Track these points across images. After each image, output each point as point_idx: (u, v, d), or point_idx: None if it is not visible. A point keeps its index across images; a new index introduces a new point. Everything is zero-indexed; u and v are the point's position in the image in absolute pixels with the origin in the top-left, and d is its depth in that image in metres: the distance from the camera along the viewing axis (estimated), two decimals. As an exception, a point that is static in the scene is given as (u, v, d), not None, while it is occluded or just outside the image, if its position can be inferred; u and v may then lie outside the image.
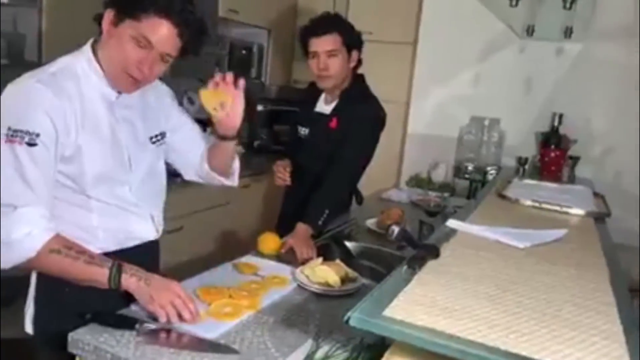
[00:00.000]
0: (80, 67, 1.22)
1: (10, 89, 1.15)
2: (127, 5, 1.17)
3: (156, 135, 1.41)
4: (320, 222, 1.84)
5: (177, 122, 1.50)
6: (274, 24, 3.65)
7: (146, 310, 1.18)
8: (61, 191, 1.21)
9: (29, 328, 1.29)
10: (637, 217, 2.57)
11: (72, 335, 1.11)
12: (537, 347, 0.69)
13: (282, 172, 2.07)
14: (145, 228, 1.39)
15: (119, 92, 1.27)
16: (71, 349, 1.11)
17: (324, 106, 2.09)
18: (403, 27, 3.30)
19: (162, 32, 1.18)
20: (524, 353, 0.68)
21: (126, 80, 1.23)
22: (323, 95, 2.10)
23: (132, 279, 1.17)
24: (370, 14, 3.33)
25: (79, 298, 1.19)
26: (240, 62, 3.46)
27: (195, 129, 1.56)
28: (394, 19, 3.34)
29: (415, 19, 3.21)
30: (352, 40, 1.98)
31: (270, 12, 3.59)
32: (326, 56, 1.92)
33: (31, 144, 1.11)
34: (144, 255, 1.36)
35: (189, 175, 1.58)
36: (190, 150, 1.53)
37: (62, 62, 1.23)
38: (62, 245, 1.14)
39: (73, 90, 1.18)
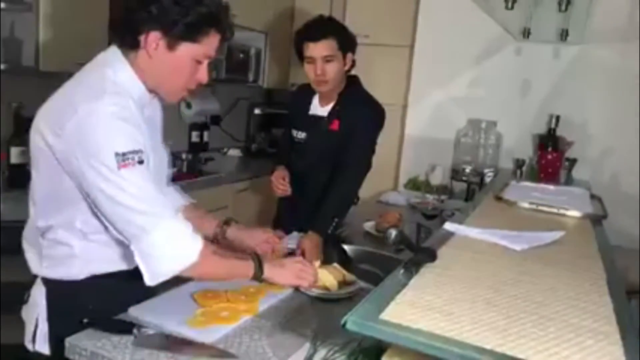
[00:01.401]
0: (126, 82, 1.18)
1: (87, 115, 1.07)
2: (185, 31, 1.14)
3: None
4: (329, 231, 1.84)
5: None
6: (271, 27, 3.65)
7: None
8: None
9: (42, 348, 1.24)
10: (633, 219, 2.57)
11: (69, 341, 1.11)
12: (534, 349, 0.70)
13: (282, 183, 2.06)
14: None
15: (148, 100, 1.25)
16: (68, 354, 1.11)
17: (319, 108, 2.08)
18: (400, 30, 3.31)
19: (218, 43, 1.21)
20: (521, 355, 0.68)
21: (183, 94, 1.26)
22: (316, 98, 2.10)
23: (272, 268, 1.33)
24: (367, 17, 3.33)
25: (96, 306, 1.18)
26: (238, 65, 3.46)
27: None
28: (391, 22, 3.34)
29: (412, 22, 3.22)
30: (347, 43, 1.98)
31: (267, 16, 3.59)
32: (323, 62, 1.92)
33: (141, 162, 1.10)
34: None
35: None
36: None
37: (109, 76, 1.15)
38: (213, 247, 1.23)
39: (134, 107, 1.15)
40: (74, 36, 2.28)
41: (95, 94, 1.11)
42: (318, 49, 1.92)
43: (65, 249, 1.20)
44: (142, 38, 1.14)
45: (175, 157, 3.12)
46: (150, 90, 1.23)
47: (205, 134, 3.63)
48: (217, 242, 1.54)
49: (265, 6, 3.56)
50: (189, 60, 1.18)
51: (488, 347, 0.69)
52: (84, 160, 1.07)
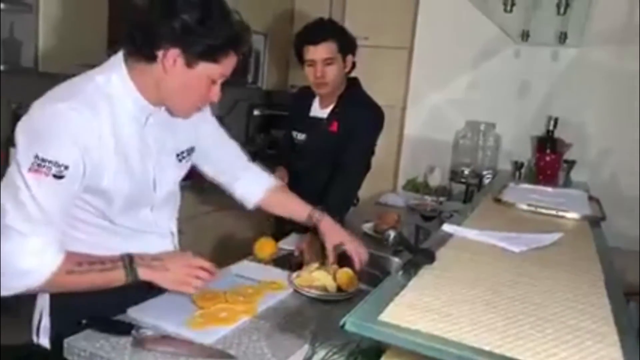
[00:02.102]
0: (113, 87, 1.15)
1: (40, 111, 1.08)
2: (205, 51, 1.12)
3: (184, 152, 1.36)
4: None
5: (205, 130, 1.46)
6: (270, 29, 3.66)
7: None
8: (86, 215, 1.19)
9: (44, 341, 1.25)
10: (632, 221, 2.58)
11: (68, 342, 1.11)
12: (532, 350, 0.70)
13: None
14: (164, 245, 1.36)
15: (149, 114, 1.21)
16: (67, 355, 1.11)
17: (319, 110, 2.09)
18: (399, 32, 3.32)
19: (234, 63, 1.20)
20: (519, 357, 0.68)
21: (194, 110, 1.25)
22: (316, 100, 2.10)
23: (148, 270, 1.18)
24: (367, 19, 3.34)
25: (95, 305, 1.16)
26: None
27: (232, 144, 1.58)
28: (390, 24, 3.35)
29: (411, 24, 3.23)
30: (347, 46, 1.99)
31: (266, 17, 3.60)
32: (323, 64, 1.93)
33: (58, 177, 1.05)
34: None
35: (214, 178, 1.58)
36: (227, 160, 1.55)
37: (94, 81, 1.14)
38: (75, 263, 1.12)
39: (106, 113, 1.12)
40: (73, 37, 2.29)
41: (62, 95, 1.10)
42: (318, 52, 1.92)
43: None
44: (160, 53, 1.11)
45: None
46: (155, 104, 1.21)
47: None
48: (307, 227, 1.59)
49: (265, 8, 3.56)
50: (205, 79, 1.17)
51: (487, 348, 0.69)
52: (18, 146, 1.06)
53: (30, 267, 1.07)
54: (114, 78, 1.15)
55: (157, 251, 1.29)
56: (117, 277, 1.16)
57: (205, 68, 1.15)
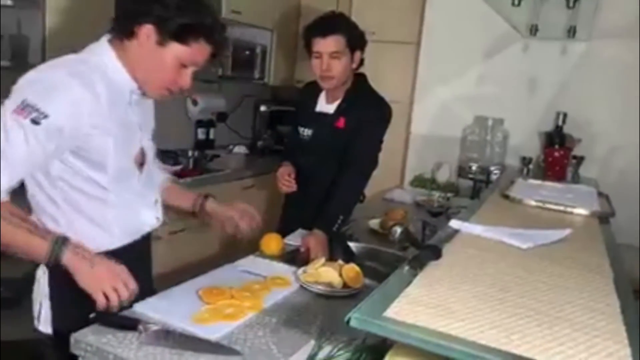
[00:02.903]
0: (105, 66, 1.23)
1: (40, 71, 1.16)
2: (177, 31, 1.19)
3: (152, 130, 1.46)
4: (334, 229, 1.84)
5: None
6: (277, 25, 3.65)
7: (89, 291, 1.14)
8: (82, 184, 1.23)
9: (45, 328, 1.28)
10: (642, 217, 2.55)
11: (74, 337, 1.11)
12: (539, 348, 0.69)
13: (287, 179, 2.06)
14: (150, 216, 1.41)
15: (132, 91, 1.28)
16: (74, 350, 1.11)
17: (326, 106, 2.08)
18: (406, 27, 3.29)
19: (206, 55, 1.26)
20: (526, 354, 0.67)
21: (164, 93, 1.30)
22: (323, 95, 2.09)
23: (75, 257, 1.13)
24: (374, 14, 3.32)
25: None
26: (244, 62, 3.46)
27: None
28: (397, 19, 3.33)
29: (418, 19, 3.21)
30: (356, 41, 1.97)
31: (273, 13, 3.59)
32: (330, 57, 1.92)
33: (35, 122, 1.09)
34: (142, 247, 1.40)
35: None
36: None
37: (91, 60, 1.23)
38: (7, 211, 1.11)
39: (101, 88, 1.19)
40: (80, 33, 2.28)
41: (61, 64, 1.18)
42: (325, 44, 1.91)
43: (53, 226, 1.23)
44: (137, 29, 1.19)
45: (181, 154, 3.13)
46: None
47: (211, 131, 3.64)
48: (195, 215, 1.59)
49: (272, 3, 3.55)
50: (174, 60, 1.22)
51: (492, 345, 0.69)
52: (15, 88, 1.13)
53: None
54: (105, 59, 1.24)
55: (144, 221, 1.39)
56: (40, 247, 1.11)
57: (174, 49, 1.21)
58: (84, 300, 1.14)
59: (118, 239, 1.30)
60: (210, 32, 1.23)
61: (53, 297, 1.27)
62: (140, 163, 1.34)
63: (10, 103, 1.11)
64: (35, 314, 1.29)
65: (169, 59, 1.22)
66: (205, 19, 1.22)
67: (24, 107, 1.10)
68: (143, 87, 1.28)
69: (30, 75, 1.15)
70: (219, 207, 1.60)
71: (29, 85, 1.13)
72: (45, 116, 1.10)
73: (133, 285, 1.18)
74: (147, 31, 1.19)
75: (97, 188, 1.25)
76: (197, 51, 1.23)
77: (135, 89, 1.28)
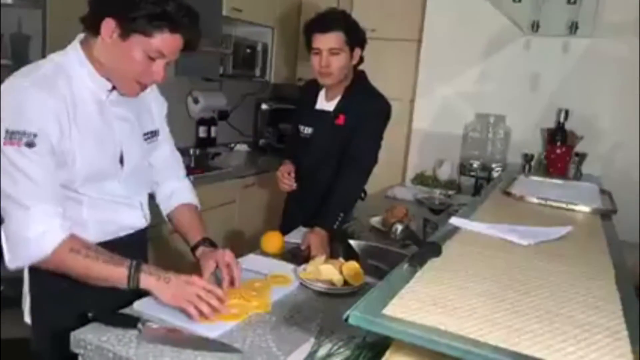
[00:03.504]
0: (71, 67, 1.22)
1: (4, 92, 1.14)
2: (136, 22, 1.15)
3: (148, 133, 1.42)
4: (335, 226, 1.83)
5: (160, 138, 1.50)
6: (278, 22, 3.65)
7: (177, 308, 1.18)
8: None
9: (27, 318, 1.32)
10: (644, 214, 2.54)
11: (74, 335, 1.11)
12: (540, 345, 0.68)
13: (287, 178, 2.05)
14: (134, 217, 1.41)
15: (109, 91, 1.26)
16: (73, 348, 1.11)
17: (325, 103, 2.07)
18: (407, 24, 3.29)
19: (175, 46, 1.21)
20: (526, 352, 0.67)
21: (135, 87, 1.26)
22: (323, 93, 2.09)
23: (151, 278, 1.18)
24: (374, 11, 3.32)
25: (73, 288, 1.21)
26: (244, 60, 3.46)
27: (174, 154, 1.59)
28: (398, 16, 3.32)
29: (419, 16, 3.20)
30: (356, 38, 1.96)
31: (274, 10, 3.58)
32: (329, 54, 1.91)
33: (30, 145, 1.11)
34: (131, 245, 1.38)
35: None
36: (159, 164, 1.53)
37: (53, 61, 1.22)
38: (81, 245, 1.16)
39: (65, 90, 1.18)
40: (80, 32, 2.29)
41: (23, 72, 1.18)
42: (325, 41, 1.90)
43: None
44: (100, 24, 1.17)
45: (182, 153, 3.12)
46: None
47: (213, 129, 3.64)
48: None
49: (272, 1, 3.55)
50: (140, 53, 1.18)
51: (492, 343, 0.68)
52: None
53: (35, 236, 1.12)
54: (71, 57, 1.22)
55: (128, 221, 1.38)
56: (119, 275, 1.17)
57: (138, 41, 1.17)
58: (61, 294, 1.20)
59: (95, 235, 1.28)
60: (173, 20, 1.17)
61: (32, 290, 1.30)
62: (120, 163, 1.31)
63: None
64: (25, 309, 1.33)
65: (134, 53, 1.18)
66: (164, 6, 1.16)
67: (12, 136, 1.10)
68: (114, 84, 1.25)
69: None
70: (203, 254, 1.44)
71: (3, 112, 1.11)
72: (35, 135, 1.11)
73: (220, 292, 1.21)
74: (109, 26, 1.16)
75: (69, 190, 1.23)
76: (163, 42, 1.18)
77: (111, 87, 1.26)
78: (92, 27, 1.19)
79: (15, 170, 1.11)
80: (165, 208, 1.57)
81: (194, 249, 1.47)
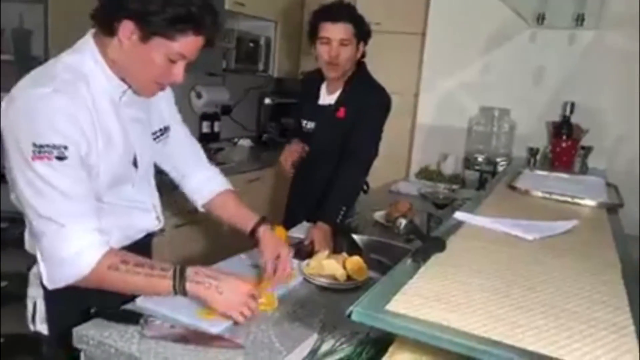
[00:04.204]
0: (87, 67, 1.15)
1: (24, 99, 1.06)
2: (159, 26, 1.08)
3: (158, 131, 1.38)
4: (338, 220, 1.82)
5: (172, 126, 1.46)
6: (281, 16, 3.63)
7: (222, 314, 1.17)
8: None
9: (42, 328, 1.27)
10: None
11: (76, 331, 1.11)
12: (545, 341, 0.67)
13: (292, 157, 2.07)
14: (149, 219, 1.39)
15: (123, 92, 1.21)
16: (76, 343, 1.11)
17: (327, 97, 2.06)
18: (411, 18, 3.26)
19: (197, 46, 1.16)
20: (531, 348, 0.66)
21: (153, 88, 1.22)
22: (324, 86, 2.08)
23: (199, 287, 1.14)
24: (378, 5, 3.29)
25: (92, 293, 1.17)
26: (248, 54, 3.44)
27: (193, 142, 1.55)
28: (402, 10, 3.30)
29: (423, 9, 3.17)
30: (363, 32, 1.95)
31: (276, 4, 3.56)
32: (338, 44, 1.90)
33: (61, 158, 1.05)
34: (139, 246, 1.36)
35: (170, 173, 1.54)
36: (179, 155, 1.50)
37: (68, 61, 1.14)
38: (119, 260, 1.12)
39: (87, 94, 1.12)
40: (82, 26, 2.27)
41: (41, 80, 1.09)
42: (336, 30, 1.89)
43: None
44: (117, 25, 1.10)
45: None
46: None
47: (216, 124, 3.63)
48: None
49: (275, -5, 3.53)
50: (161, 56, 1.12)
51: (497, 338, 0.67)
52: (11, 140, 1.05)
53: (70, 255, 1.08)
54: (86, 57, 1.15)
55: (143, 225, 1.34)
56: (163, 286, 1.14)
57: (159, 44, 1.11)
58: (79, 296, 1.14)
59: (115, 243, 1.23)
60: (199, 22, 1.11)
61: (48, 297, 1.24)
62: (134, 166, 1.28)
63: (25, 151, 1.03)
64: (29, 315, 1.28)
65: (154, 56, 1.12)
66: (189, 9, 1.09)
67: (40, 151, 1.03)
68: (132, 85, 1.20)
69: (19, 111, 1.05)
70: (272, 243, 1.45)
71: (28, 126, 1.04)
72: (65, 147, 1.05)
73: (255, 291, 1.21)
74: (127, 28, 1.09)
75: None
76: (186, 44, 1.12)
77: (126, 88, 1.21)
78: (106, 26, 1.12)
79: (47, 186, 1.05)
80: (200, 198, 1.53)
81: (252, 231, 1.47)
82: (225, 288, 1.16)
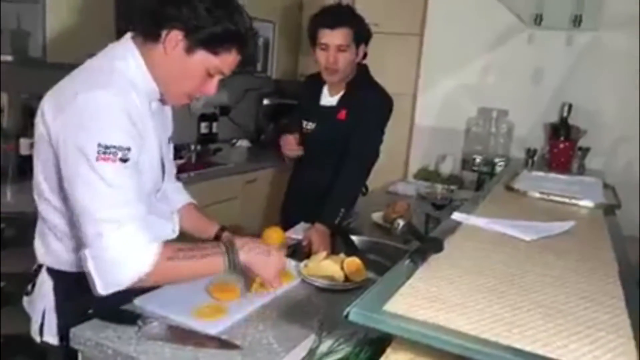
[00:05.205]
0: (131, 72, 1.14)
1: (85, 101, 1.05)
2: (207, 40, 1.10)
3: (169, 138, 1.39)
4: (336, 222, 1.82)
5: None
6: (280, 17, 3.62)
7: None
8: None
9: (52, 339, 1.23)
10: (648, 209, 2.52)
11: (74, 331, 1.11)
12: (542, 341, 0.68)
13: (292, 143, 2.07)
14: (168, 229, 1.37)
15: (157, 98, 1.22)
16: (73, 344, 1.11)
17: (329, 99, 2.06)
18: (410, 18, 3.26)
19: (235, 63, 1.18)
20: (528, 348, 0.66)
21: (185, 99, 1.22)
22: (326, 88, 2.07)
23: (249, 255, 1.20)
24: (377, 5, 3.28)
25: (101, 300, 1.13)
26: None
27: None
28: (401, 10, 3.30)
29: (422, 10, 3.17)
30: (362, 35, 1.95)
31: (275, 5, 3.56)
32: (336, 50, 1.89)
33: (124, 160, 1.05)
34: None
35: None
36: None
37: (116, 68, 1.13)
38: (174, 250, 1.12)
39: (137, 102, 1.12)
40: (81, 27, 2.28)
41: (99, 83, 1.08)
42: (333, 37, 1.88)
43: (66, 239, 1.19)
44: (164, 33, 1.10)
45: (184, 148, 3.12)
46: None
47: (214, 125, 3.63)
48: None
49: (274, -5, 3.53)
50: (202, 69, 1.14)
51: (494, 339, 0.67)
52: (71, 143, 1.04)
53: (132, 256, 1.06)
54: (131, 64, 1.15)
55: (162, 233, 1.28)
56: (217, 265, 1.16)
57: (203, 58, 1.13)
58: (90, 305, 1.13)
59: None
60: (244, 41, 1.15)
61: (59, 308, 1.22)
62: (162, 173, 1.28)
63: (88, 151, 1.02)
64: (36, 326, 1.24)
65: (195, 68, 1.14)
66: (237, 27, 1.12)
67: (106, 151, 1.02)
68: (164, 93, 1.20)
69: (81, 112, 1.04)
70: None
71: (91, 126, 1.04)
72: (128, 149, 1.05)
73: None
74: (174, 37, 1.10)
75: None
76: (227, 61, 1.15)
77: (157, 96, 1.21)
78: (152, 33, 1.12)
79: (107, 186, 1.03)
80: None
81: (216, 237, 1.48)
82: (272, 254, 1.25)
